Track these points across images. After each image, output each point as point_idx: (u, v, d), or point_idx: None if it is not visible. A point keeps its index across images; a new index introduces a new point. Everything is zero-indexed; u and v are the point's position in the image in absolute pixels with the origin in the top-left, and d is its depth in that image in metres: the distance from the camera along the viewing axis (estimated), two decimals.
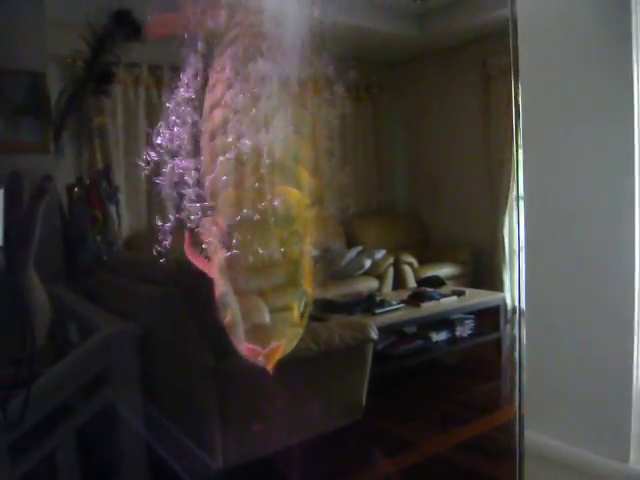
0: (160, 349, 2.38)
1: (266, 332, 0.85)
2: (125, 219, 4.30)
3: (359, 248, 5.11)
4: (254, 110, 0.83)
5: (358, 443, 2.68)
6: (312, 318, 2.92)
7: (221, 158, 0.85)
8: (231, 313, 0.88)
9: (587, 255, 0.99)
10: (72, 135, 3.85)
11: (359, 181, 5.90)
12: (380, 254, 5.00)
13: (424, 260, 5.24)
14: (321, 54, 0.90)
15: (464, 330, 3.92)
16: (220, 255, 0.88)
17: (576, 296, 1.01)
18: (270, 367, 0.84)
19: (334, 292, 4.34)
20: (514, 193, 1.02)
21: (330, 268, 4.85)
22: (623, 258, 0.95)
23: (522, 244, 1.02)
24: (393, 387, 3.44)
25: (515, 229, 1.02)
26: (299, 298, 0.86)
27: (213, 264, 0.92)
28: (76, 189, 3.84)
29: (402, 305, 3.71)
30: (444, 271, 5.04)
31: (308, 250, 0.90)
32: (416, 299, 3.79)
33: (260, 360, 0.82)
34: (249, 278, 0.88)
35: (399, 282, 4.94)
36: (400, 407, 3.21)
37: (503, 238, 5.29)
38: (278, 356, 0.83)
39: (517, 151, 1.01)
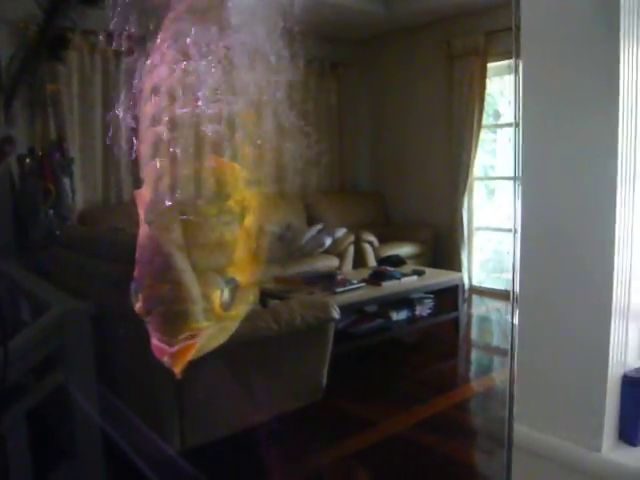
0: (116, 329, 2.31)
1: (176, 326, 0.74)
2: (79, 192, 4.16)
3: (319, 226, 5.09)
4: (192, 74, 0.76)
5: (318, 423, 2.69)
6: (273, 297, 2.88)
7: (152, 125, 0.77)
8: (141, 300, 0.78)
9: (573, 239, 0.99)
10: (24, 103, 3.67)
11: (321, 158, 5.84)
12: (341, 232, 4.99)
13: (385, 239, 5.26)
14: (276, 24, 0.83)
15: (423, 309, 3.95)
16: (140, 232, 0.79)
17: (561, 281, 1.01)
18: (177, 369, 0.74)
19: (294, 270, 4.31)
20: (512, 174, 1.01)
21: (290, 246, 4.81)
22: (604, 245, 0.95)
23: (518, 226, 1.01)
24: (353, 366, 3.45)
25: (512, 211, 1.02)
26: (223, 286, 0.76)
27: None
28: (28, 160, 3.68)
29: (363, 284, 3.70)
30: (404, 250, 5.07)
31: (246, 230, 0.80)
32: (377, 278, 3.79)
33: (165, 361, 0.73)
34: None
35: (360, 261, 4.94)
36: (360, 386, 3.23)
37: (462, 218, 5.35)
38: (189, 356, 0.73)
39: (515, 131, 0.99)
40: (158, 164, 0.75)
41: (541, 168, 1.00)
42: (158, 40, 0.78)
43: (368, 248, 5.01)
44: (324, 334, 2.66)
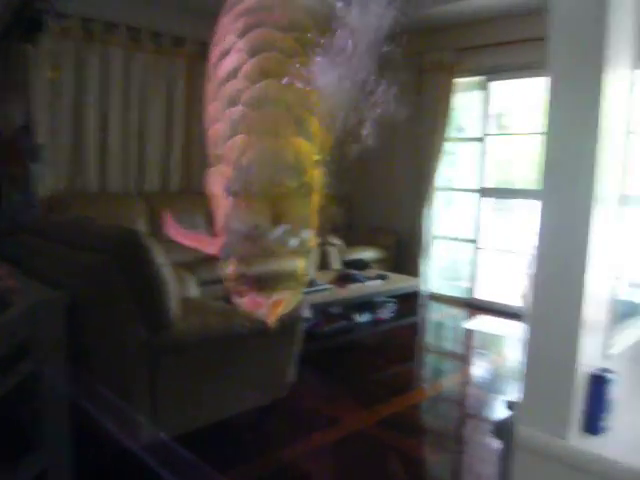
0: (91, 319, 2.30)
1: (270, 284, 0.84)
2: (45, 178, 4.07)
3: (286, 226, 5.11)
4: (266, 58, 0.82)
5: (285, 419, 2.74)
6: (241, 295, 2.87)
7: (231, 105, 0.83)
8: (234, 263, 0.87)
9: (564, 258, 1.08)
10: None
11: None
12: (306, 234, 5.03)
13: (349, 242, 5.35)
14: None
15: (385, 313, 4.07)
16: (225, 204, 0.86)
17: (549, 295, 1.10)
18: (271, 320, 0.84)
19: (260, 269, 4.33)
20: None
21: (256, 245, 4.83)
22: (578, 265, 1.05)
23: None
24: (318, 365, 3.52)
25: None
26: (306, 254, 0.86)
27: (219, 214, 0.90)
28: None
29: (329, 286, 3.78)
30: (368, 254, 5.18)
31: (313, 205, 0.90)
32: (342, 281, 3.88)
33: (262, 312, 0.82)
34: (255, 229, 0.87)
35: (324, 263, 5.01)
36: (325, 385, 3.30)
37: (423, 227, 5.50)
38: (280, 310, 0.83)
39: (542, 147, 1.06)
40: (240, 140, 0.80)
41: (557, 184, 1.07)
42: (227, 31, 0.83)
43: (333, 251, 5.08)
44: (293, 333, 2.71)
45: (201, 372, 2.38)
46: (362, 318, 3.92)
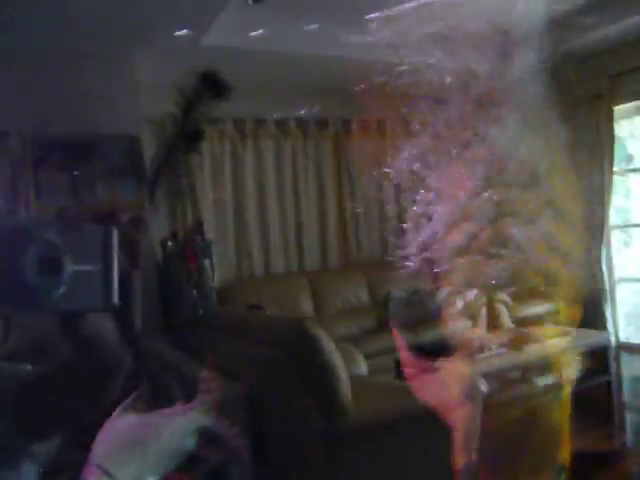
0: (264, 411, 2.35)
1: None
2: (215, 271, 4.38)
3: (449, 288, 4.95)
4: None
5: None
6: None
7: None
8: None
9: None
10: (165, 193, 4.00)
11: None
12: (472, 294, 4.82)
13: (516, 297, 4.99)
14: None
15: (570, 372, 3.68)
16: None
17: None
18: None
19: (425, 336, 4.19)
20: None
21: (418, 311, 4.70)
22: None
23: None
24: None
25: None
26: (557, 474, 0.78)
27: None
28: (170, 243, 3.95)
29: (503, 349, 3.53)
30: (540, 309, 4.78)
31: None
32: (518, 341, 3.61)
33: None
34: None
35: (493, 322, 4.72)
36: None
37: (601, 273, 4.99)
38: None
39: None
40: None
41: None
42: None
43: (502, 309, 4.78)
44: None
45: (385, 459, 2.28)
46: (545, 381, 3.57)
